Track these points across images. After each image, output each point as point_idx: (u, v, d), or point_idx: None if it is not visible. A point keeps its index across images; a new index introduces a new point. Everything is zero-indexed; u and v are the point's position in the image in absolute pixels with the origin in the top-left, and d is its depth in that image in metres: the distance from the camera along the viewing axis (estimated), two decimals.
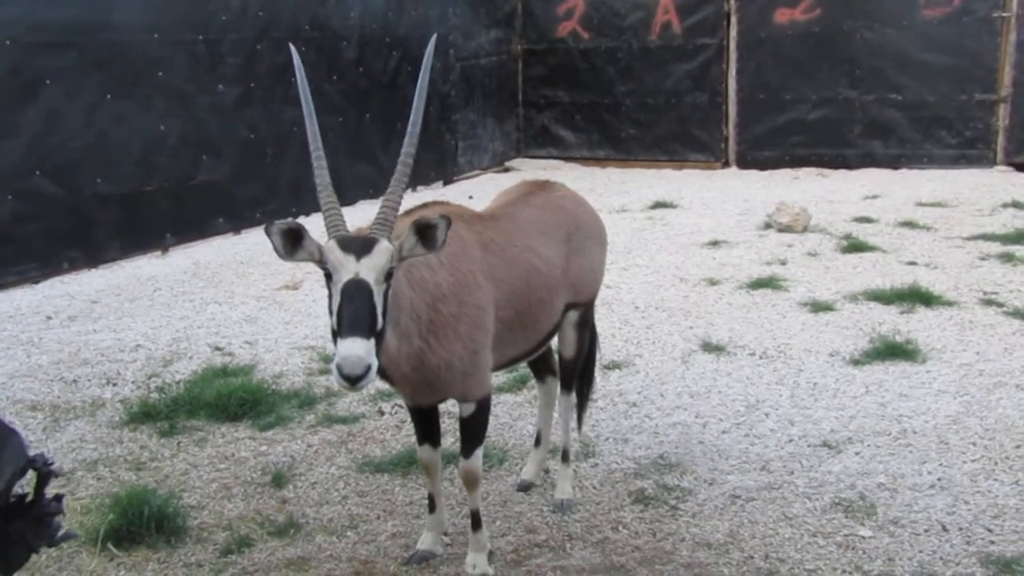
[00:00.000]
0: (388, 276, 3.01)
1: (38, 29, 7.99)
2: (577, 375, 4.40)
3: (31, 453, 1.61)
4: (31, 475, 1.65)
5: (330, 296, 3.01)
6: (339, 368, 2.85)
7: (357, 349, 2.84)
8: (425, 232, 3.05)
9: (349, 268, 2.95)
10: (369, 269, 2.95)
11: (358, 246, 2.97)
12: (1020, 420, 5.02)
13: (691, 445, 4.89)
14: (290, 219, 3.10)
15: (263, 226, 3.07)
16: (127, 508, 4.09)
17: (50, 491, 1.64)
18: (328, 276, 3.01)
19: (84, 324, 7.09)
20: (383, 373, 3.28)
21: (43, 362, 6.26)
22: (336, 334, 2.93)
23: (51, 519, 1.59)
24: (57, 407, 5.54)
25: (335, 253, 2.98)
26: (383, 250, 2.98)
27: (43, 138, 8.07)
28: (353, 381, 2.84)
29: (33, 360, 6.30)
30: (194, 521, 4.25)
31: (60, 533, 1.63)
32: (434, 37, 3.67)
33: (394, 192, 3.14)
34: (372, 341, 2.90)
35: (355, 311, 2.90)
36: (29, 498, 1.56)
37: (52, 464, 1.62)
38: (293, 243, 3.04)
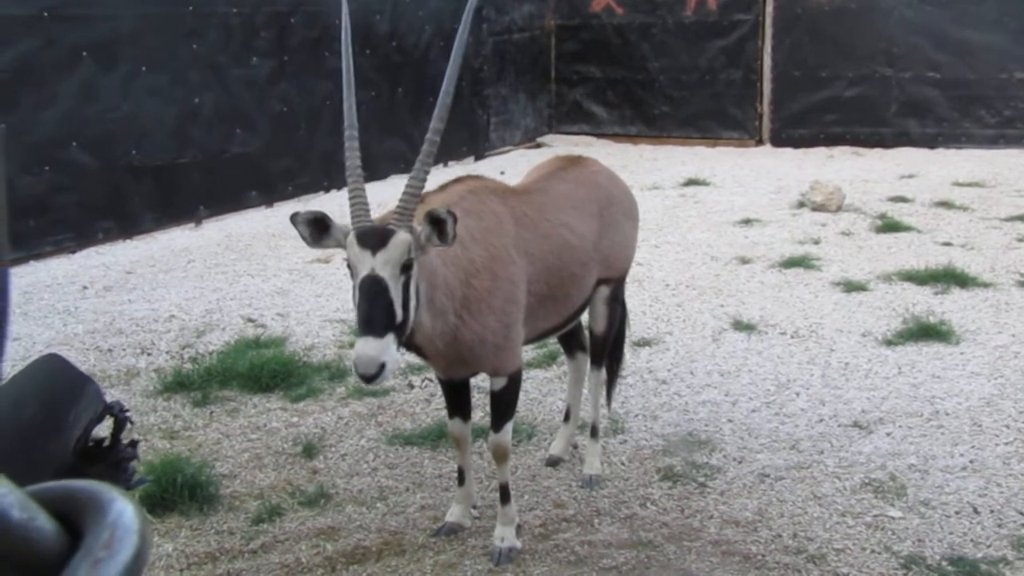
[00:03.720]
0: (407, 268, 2.99)
1: (75, 1, 8.04)
2: (607, 351, 4.40)
3: (108, 400, 1.66)
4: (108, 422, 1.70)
5: (353, 289, 3.04)
6: (355, 366, 2.92)
7: (370, 349, 2.88)
8: (437, 224, 3.01)
9: (366, 263, 2.95)
10: (384, 263, 2.94)
11: (375, 240, 2.96)
12: None
13: (720, 423, 4.88)
14: (315, 209, 3.11)
15: (291, 214, 3.10)
16: (161, 476, 4.15)
17: (125, 437, 1.70)
18: (350, 268, 3.04)
19: (119, 294, 7.17)
20: (418, 350, 3.31)
21: (79, 331, 6.34)
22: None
23: (127, 464, 1.64)
24: (92, 375, 5.59)
25: (353, 248, 2.98)
26: (398, 243, 2.96)
27: (79, 110, 8.14)
28: (368, 380, 2.91)
29: (69, 329, 6.38)
30: (226, 490, 4.30)
31: (135, 478, 1.68)
32: (470, 4, 3.56)
33: (416, 177, 3.10)
34: (388, 338, 2.91)
35: (370, 310, 2.93)
36: (106, 443, 1.61)
37: (128, 412, 1.67)
38: (320, 231, 3.07)
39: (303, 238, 3.07)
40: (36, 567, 0.82)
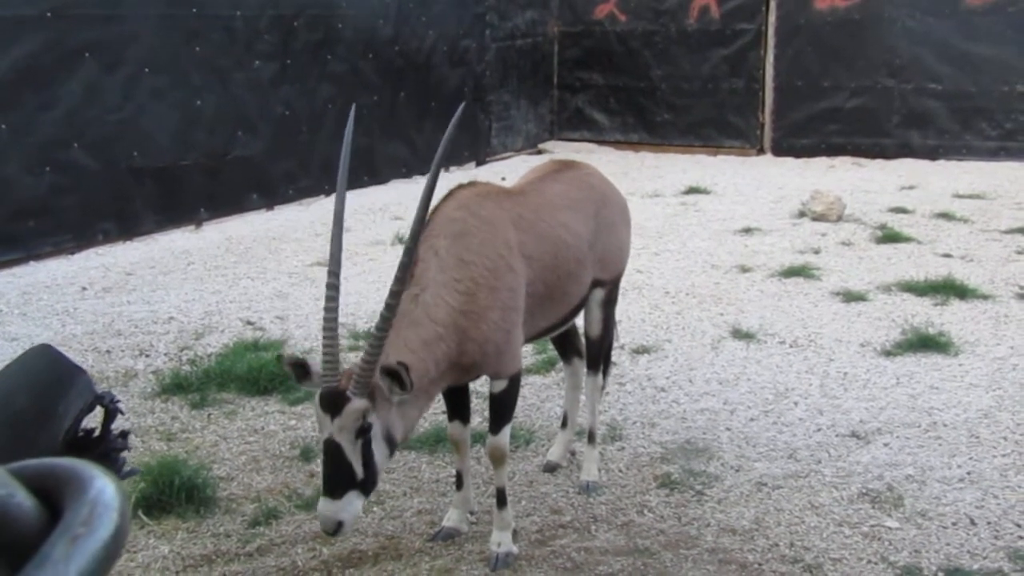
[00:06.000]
0: (364, 431, 3.06)
1: (78, 2, 8.06)
2: (603, 355, 4.41)
3: (98, 391, 1.66)
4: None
5: None
6: (319, 520, 3.14)
7: (327, 510, 3.05)
8: (393, 377, 3.03)
9: (326, 427, 3.06)
10: (339, 429, 3.03)
11: (331, 405, 3.04)
12: None
13: (719, 431, 4.88)
14: (299, 354, 3.24)
15: (277, 355, 3.24)
16: (158, 478, 4.15)
17: (116, 428, 1.69)
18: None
19: (118, 296, 7.17)
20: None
21: (77, 332, 6.33)
22: None
23: (117, 454, 1.64)
24: (90, 377, 5.59)
25: (316, 409, 3.10)
26: (350, 411, 3.02)
27: (81, 111, 8.15)
28: (329, 534, 3.14)
29: (67, 330, 6.38)
30: (223, 492, 4.30)
31: (126, 469, 1.68)
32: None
33: (373, 346, 3.07)
34: (348, 497, 3.05)
35: (329, 473, 3.08)
36: (96, 433, 1.60)
37: (118, 402, 1.67)
38: (303, 374, 3.16)
39: (291, 378, 3.20)
40: (15, 543, 0.82)
